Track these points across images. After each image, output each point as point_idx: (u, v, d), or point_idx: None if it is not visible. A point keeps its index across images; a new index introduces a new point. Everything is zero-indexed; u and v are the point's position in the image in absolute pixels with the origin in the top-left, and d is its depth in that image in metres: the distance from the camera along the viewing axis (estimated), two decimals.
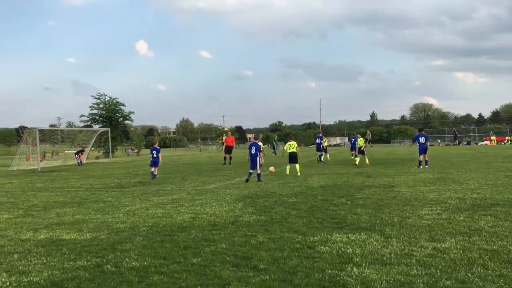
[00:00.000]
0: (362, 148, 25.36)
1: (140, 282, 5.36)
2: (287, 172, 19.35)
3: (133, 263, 6.15)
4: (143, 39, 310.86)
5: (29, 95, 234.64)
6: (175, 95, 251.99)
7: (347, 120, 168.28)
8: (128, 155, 56.10)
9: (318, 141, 28.47)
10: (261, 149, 17.53)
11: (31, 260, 6.55)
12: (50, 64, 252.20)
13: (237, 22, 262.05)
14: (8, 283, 5.53)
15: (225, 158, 28.52)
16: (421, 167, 21.36)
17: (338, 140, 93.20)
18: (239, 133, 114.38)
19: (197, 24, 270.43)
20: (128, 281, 5.41)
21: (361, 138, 26.22)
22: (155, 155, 19.71)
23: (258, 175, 16.91)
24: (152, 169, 19.57)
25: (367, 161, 24.20)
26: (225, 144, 30.12)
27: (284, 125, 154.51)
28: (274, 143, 46.58)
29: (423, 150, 21.98)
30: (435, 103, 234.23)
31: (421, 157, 21.93)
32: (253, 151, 17.15)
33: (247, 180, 16.68)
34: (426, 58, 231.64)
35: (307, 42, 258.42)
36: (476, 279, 5.14)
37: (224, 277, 5.44)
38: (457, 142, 63.88)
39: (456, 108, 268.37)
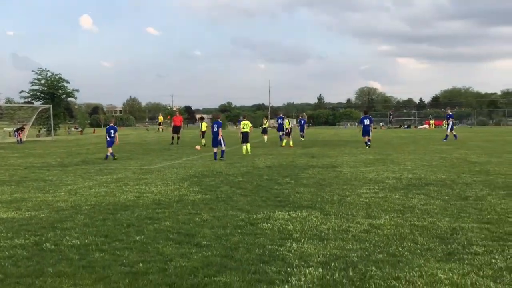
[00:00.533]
0: (287, 130, 25.37)
1: (80, 260, 5.32)
2: (244, 152, 19.50)
3: (74, 241, 6.07)
4: (87, 13, 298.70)
5: None
6: (122, 73, 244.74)
7: (295, 103, 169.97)
8: (69, 133, 54.24)
9: (280, 121, 29.55)
10: (221, 127, 17.86)
11: None
12: None
13: (186, 0, 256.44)
14: None
15: (172, 138, 28.21)
16: (367, 147, 22.21)
17: None
18: (188, 113, 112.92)
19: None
20: (68, 259, 5.35)
21: (287, 120, 26.48)
22: (112, 135, 18.48)
23: (222, 151, 17.27)
24: (110, 149, 18.35)
25: (291, 143, 24.62)
26: (173, 124, 29.76)
27: (233, 106, 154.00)
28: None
29: (366, 132, 22.84)
30: (379, 87, 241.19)
31: (365, 138, 22.80)
32: (215, 129, 17.38)
33: (215, 158, 17.04)
34: (373, 43, 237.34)
35: (257, 23, 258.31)
36: (406, 252, 5.49)
37: (167, 254, 5.50)
38: (398, 125, 66.41)
39: (399, 92, 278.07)
